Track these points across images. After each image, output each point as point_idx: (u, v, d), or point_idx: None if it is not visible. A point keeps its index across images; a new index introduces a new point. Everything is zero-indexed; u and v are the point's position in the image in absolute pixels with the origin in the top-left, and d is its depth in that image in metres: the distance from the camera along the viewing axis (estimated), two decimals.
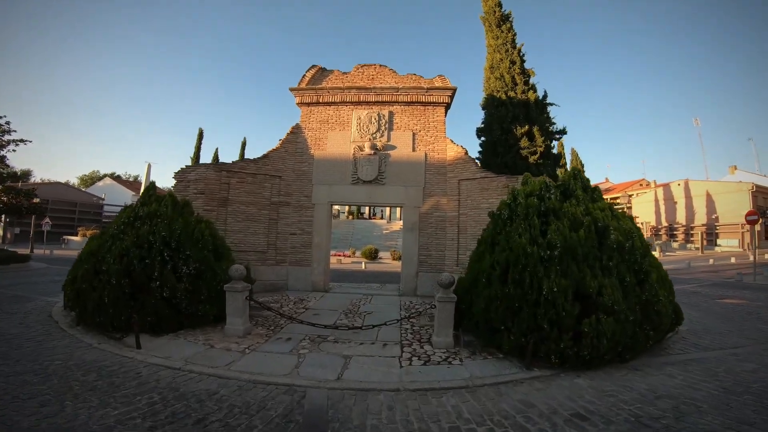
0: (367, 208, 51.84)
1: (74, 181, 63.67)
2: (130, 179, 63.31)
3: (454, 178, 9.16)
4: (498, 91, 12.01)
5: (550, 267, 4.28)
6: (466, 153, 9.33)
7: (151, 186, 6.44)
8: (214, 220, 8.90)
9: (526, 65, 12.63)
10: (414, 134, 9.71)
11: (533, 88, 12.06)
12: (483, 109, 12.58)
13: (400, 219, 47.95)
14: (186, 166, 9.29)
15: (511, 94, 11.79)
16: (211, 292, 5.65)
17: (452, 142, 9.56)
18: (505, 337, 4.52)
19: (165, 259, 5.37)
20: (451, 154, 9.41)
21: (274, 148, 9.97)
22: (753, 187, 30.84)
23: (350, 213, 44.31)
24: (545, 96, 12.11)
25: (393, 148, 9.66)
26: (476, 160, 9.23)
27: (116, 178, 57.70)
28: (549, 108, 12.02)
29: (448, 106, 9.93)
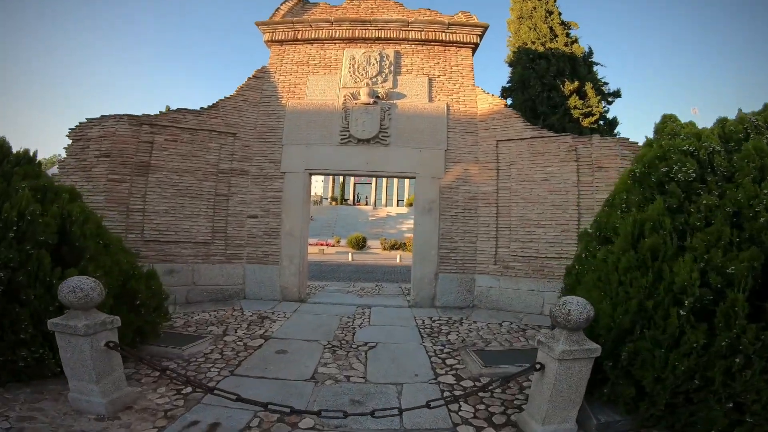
0: (351, 193, 48.74)
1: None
2: None
3: (489, 138, 6.36)
4: (533, 43, 9.37)
5: None
6: (506, 105, 6.57)
7: None
8: (125, 195, 5.78)
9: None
10: (431, 80, 6.87)
11: (576, 41, 9.53)
12: (511, 65, 9.95)
13: (386, 206, 44.95)
14: (87, 119, 6.09)
15: (551, 46, 9.17)
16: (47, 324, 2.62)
17: (484, 91, 6.78)
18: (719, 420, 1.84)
19: None
20: (483, 108, 6.62)
21: (228, 96, 6.86)
22: None
23: (333, 199, 41.36)
24: (591, 52, 9.58)
25: (401, 96, 6.77)
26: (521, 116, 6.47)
27: None
28: (595, 68, 9.54)
29: (475, 48, 7.17)
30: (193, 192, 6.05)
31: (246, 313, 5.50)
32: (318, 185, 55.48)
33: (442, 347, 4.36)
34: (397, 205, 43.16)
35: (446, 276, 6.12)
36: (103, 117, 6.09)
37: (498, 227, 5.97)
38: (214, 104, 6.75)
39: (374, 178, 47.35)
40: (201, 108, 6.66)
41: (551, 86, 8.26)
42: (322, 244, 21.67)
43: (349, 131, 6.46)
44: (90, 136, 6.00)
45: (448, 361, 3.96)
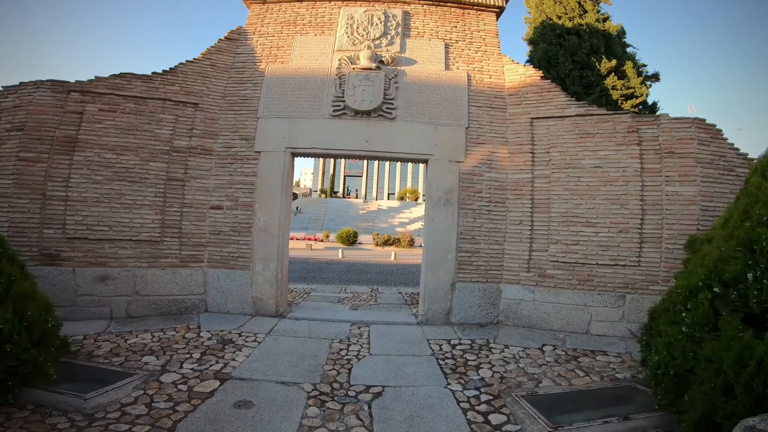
0: (341, 186, 47.30)
1: None
2: None
3: (521, 115, 5.10)
4: (559, 18, 8.21)
5: None
6: (543, 77, 5.34)
7: None
8: (42, 178, 4.35)
9: None
10: (447, 45, 5.58)
11: (608, 18, 8.45)
12: (532, 42, 8.80)
13: (377, 199, 43.29)
14: (2, 86, 4.70)
15: (580, 21, 8.02)
16: None
17: (513, 61, 5.56)
18: None
19: None
20: (513, 79, 5.36)
21: (191, 59, 5.43)
22: None
23: (323, 191, 39.99)
24: (624, 31, 8.50)
25: (410, 62, 5.45)
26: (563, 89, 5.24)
27: None
28: (629, 48, 8.48)
29: (500, 13, 5.92)
30: (135, 175, 4.59)
31: (203, 335, 4.12)
32: (307, 177, 53.52)
33: (476, 392, 3.11)
34: (388, 199, 41.92)
35: (466, 286, 4.86)
36: (21, 84, 4.76)
37: (533, 225, 4.73)
38: (171, 69, 5.30)
39: (365, 171, 45.87)
40: (153, 72, 5.19)
41: (584, 64, 7.11)
42: (310, 239, 20.26)
43: (343, 101, 5.09)
44: (3, 106, 4.65)
45: (493, 418, 2.70)
